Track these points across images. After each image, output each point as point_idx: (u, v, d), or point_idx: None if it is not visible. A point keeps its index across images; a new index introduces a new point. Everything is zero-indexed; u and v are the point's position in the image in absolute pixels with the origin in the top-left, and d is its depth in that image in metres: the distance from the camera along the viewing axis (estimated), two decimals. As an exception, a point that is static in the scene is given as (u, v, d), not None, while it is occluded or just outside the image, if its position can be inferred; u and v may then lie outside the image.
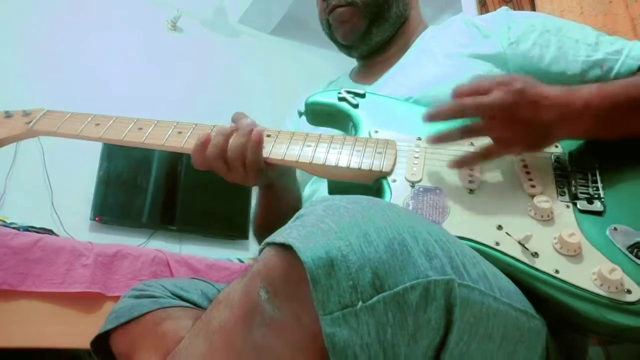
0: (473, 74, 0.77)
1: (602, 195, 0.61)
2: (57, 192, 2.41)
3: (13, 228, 1.78)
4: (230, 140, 0.72)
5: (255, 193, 1.03)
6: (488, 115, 0.62)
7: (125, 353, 0.73)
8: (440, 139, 0.66)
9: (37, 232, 1.79)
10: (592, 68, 0.73)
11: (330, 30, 0.94)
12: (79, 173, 2.49)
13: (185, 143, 0.75)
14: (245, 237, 2.75)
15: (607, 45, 0.74)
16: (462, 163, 0.65)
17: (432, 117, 0.64)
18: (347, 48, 0.96)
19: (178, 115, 0.79)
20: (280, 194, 0.84)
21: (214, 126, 0.76)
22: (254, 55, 3.28)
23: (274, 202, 0.86)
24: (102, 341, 0.76)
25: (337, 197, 0.47)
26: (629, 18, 1.54)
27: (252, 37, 3.35)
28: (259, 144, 0.71)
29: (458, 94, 0.64)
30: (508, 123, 0.61)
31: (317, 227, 0.41)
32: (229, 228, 2.74)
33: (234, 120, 0.76)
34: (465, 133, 0.64)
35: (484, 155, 0.64)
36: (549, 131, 0.62)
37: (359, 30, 0.90)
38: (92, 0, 2.80)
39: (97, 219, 2.46)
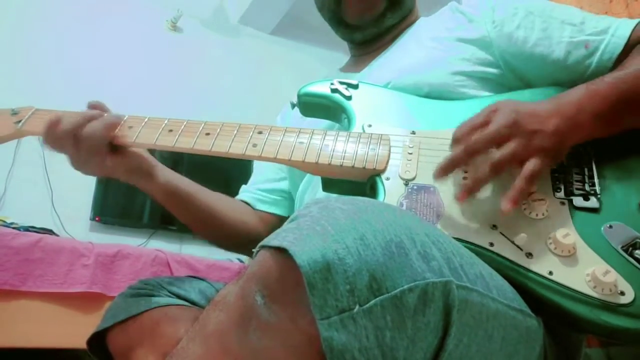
0: (457, 57, 0.77)
1: (598, 192, 0.60)
2: (57, 192, 2.41)
3: (13, 228, 1.78)
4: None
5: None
6: (501, 139, 0.58)
7: (122, 352, 0.73)
8: (473, 188, 0.59)
9: (37, 232, 1.79)
10: (576, 48, 0.72)
11: (336, 7, 0.91)
12: (79, 173, 2.48)
13: (176, 142, 0.74)
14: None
15: (593, 25, 0.72)
16: (517, 197, 0.58)
17: (445, 171, 0.61)
18: (352, 28, 0.92)
19: (177, 115, 0.79)
20: (150, 193, 0.85)
21: (205, 123, 0.75)
22: (254, 55, 3.28)
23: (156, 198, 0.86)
24: (98, 340, 0.76)
25: (333, 198, 0.47)
26: (629, 17, 1.54)
27: (252, 37, 3.35)
28: (113, 124, 0.74)
29: (458, 139, 0.61)
30: (524, 137, 0.58)
31: (313, 229, 0.41)
32: (229, 228, 2.73)
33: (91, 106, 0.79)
34: (496, 167, 0.58)
35: (529, 177, 0.57)
36: (562, 138, 0.60)
37: (375, 10, 0.89)
38: (93, 0, 2.80)
39: (97, 219, 2.46)
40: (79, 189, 2.47)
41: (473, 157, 0.59)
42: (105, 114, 0.77)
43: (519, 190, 0.58)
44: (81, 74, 2.62)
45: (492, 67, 0.76)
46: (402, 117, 0.74)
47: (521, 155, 0.58)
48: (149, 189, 0.84)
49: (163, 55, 2.94)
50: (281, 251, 0.40)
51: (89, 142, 0.73)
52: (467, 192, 0.59)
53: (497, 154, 0.58)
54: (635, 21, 0.71)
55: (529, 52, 0.74)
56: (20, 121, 0.80)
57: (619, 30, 0.71)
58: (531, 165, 0.58)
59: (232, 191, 1.00)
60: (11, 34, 2.53)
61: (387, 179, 0.65)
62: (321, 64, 3.20)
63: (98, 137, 0.73)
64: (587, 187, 0.61)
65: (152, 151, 0.80)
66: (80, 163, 0.77)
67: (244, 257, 2.31)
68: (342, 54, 1.03)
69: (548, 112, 0.61)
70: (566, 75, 0.72)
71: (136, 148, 0.79)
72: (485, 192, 0.62)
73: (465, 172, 0.65)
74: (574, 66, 0.72)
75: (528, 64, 0.75)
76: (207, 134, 0.74)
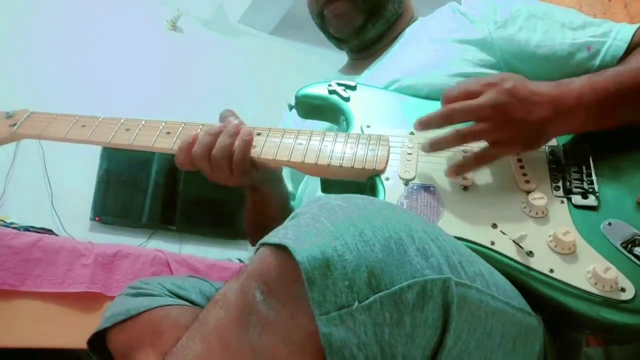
0: (458, 58, 0.77)
1: (596, 190, 0.60)
2: (57, 192, 2.41)
3: (13, 228, 1.78)
4: (218, 140, 0.70)
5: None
6: (480, 117, 0.60)
7: (122, 352, 0.73)
8: (433, 146, 0.63)
9: (37, 232, 1.79)
10: (578, 51, 0.72)
11: (321, 21, 0.94)
12: (79, 173, 2.49)
13: (174, 144, 0.73)
14: (245, 237, 2.74)
15: (594, 28, 0.73)
16: (460, 169, 0.63)
17: (423, 126, 0.63)
18: (338, 41, 0.95)
19: (177, 115, 0.79)
20: (266, 197, 0.84)
21: (202, 125, 0.75)
22: (254, 55, 3.28)
23: (261, 204, 0.85)
24: (99, 340, 0.76)
25: (332, 196, 0.47)
26: (628, 17, 1.54)
27: (252, 37, 3.35)
28: (247, 145, 0.70)
29: (447, 99, 0.62)
30: (501, 124, 0.59)
31: (313, 226, 0.41)
32: (229, 228, 2.74)
33: (222, 118, 0.76)
34: (459, 138, 0.61)
35: (481, 159, 0.62)
36: (544, 129, 0.61)
37: (354, 25, 0.90)
38: (93, 0, 2.80)
39: (97, 219, 2.46)
40: (79, 189, 2.48)
41: (448, 122, 0.62)
42: (238, 128, 0.72)
43: (466, 162, 0.62)
44: (81, 74, 2.62)
45: (493, 68, 0.76)
46: (401, 118, 0.74)
47: (487, 138, 0.61)
48: (273, 199, 0.85)
49: (163, 55, 2.94)
50: (281, 248, 0.40)
51: (226, 162, 0.70)
52: (430, 146, 0.63)
53: (465, 128, 0.61)
54: (636, 25, 0.72)
55: (531, 54, 0.74)
56: (15, 124, 0.80)
57: (620, 34, 0.71)
58: (491, 150, 0.61)
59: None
60: (9, 34, 2.53)
61: (387, 179, 0.66)
62: (321, 63, 3.19)
63: (235, 154, 0.70)
64: (585, 185, 0.61)
65: (150, 153, 0.79)
66: (221, 179, 0.73)
67: (244, 257, 2.31)
68: (342, 54, 1.03)
69: (543, 98, 0.61)
70: (567, 77, 0.72)
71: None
72: (486, 191, 0.62)
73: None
74: (576, 68, 0.72)
75: (529, 65, 0.75)
76: None
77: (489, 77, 0.63)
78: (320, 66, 3.13)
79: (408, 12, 0.96)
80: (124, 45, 2.81)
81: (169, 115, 0.79)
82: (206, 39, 3.15)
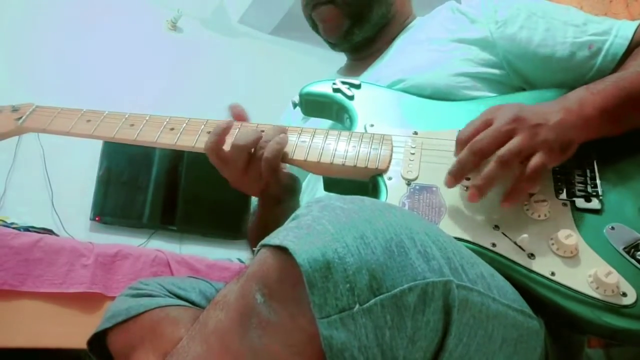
0: (460, 58, 0.77)
1: (600, 193, 0.60)
2: (57, 192, 2.41)
3: (13, 228, 1.78)
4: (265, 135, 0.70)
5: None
6: (508, 135, 0.58)
7: (122, 352, 0.73)
8: (482, 188, 0.58)
9: (37, 232, 1.79)
10: (580, 49, 0.72)
11: (314, 24, 0.95)
12: (79, 173, 2.49)
13: (178, 140, 0.74)
14: (246, 237, 2.74)
15: (595, 26, 0.73)
16: (515, 197, 0.58)
17: (457, 175, 0.59)
18: (330, 44, 0.96)
19: (177, 115, 0.79)
20: (283, 215, 0.80)
21: (206, 121, 0.76)
22: (254, 55, 3.28)
23: (276, 217, 0.81)
24: (99, 340, 0.76)
25: (334, 197, 0.47)
26: (630, 17, 1.54)
27: (252, 37, 3.35)
28: (285, 139, 0.70)
29: (462, 140, 0.60)
30: (531, 130, 0.58)
31: (313, 228, 0.41)
32: (229, 228, 2.73)
33: (232, 110, 0.77)
34: (503, 164, 0.57)
35: (533, 173, 0.57)
36: (567, 133, 0.59)
37: (340, 29, 0.90)
38: (93, 1, 2.80)
39: (97, 219, 2.46)
40: (79, 189, 2.47)
41: (480, 157, 0.59)
42: (272, 129, 0.72)
43: (520, 187, 0.58)
44: (81, 73, 2.62)
45: (495, 67, 0.76)
46: (404, 117, 0.74)
47: (526, 150, 0.58)
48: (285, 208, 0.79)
49: (163, 55, 2.94)
50: (281, 250, 0.40)
51: (267, 163, 0.68)
52: (478, 192, 0.58)
53: (502, 149, 0.57)
54: (637, 22, 0.72)
55: (533, 53, 0.74)
56: (20, 118, 0.81)
57: (621, 31, 0.71)
58: (536, 160, 0.57)
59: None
60: (12, 33, 2.53)
61: (390, 178, 0.66)
62: (321, 63, 3.18)
63: (275, 155, 0.68)
64: (589, 189, 0.61)
65: (151, 149, 0.79)
66: (252, 176, 0.71)
67: (244, 257, 2.31)
68: (341, 54, 1.03)
69: (551, 108, 0.61)
70: (569, 76, 0.73)
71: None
72: (488, 192, 0.62)
73: None
74: (578, 67, 0.72)
75: (531, 64, 0.75)
76: (209, 132, 0.74)
77: (490, 107, 0.62)
78: (320, 66, 3.12)
79: (403, 12, 0.96)
80: (124, 45, 2.81)
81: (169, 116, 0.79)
82: (206, 39, 3.15)
